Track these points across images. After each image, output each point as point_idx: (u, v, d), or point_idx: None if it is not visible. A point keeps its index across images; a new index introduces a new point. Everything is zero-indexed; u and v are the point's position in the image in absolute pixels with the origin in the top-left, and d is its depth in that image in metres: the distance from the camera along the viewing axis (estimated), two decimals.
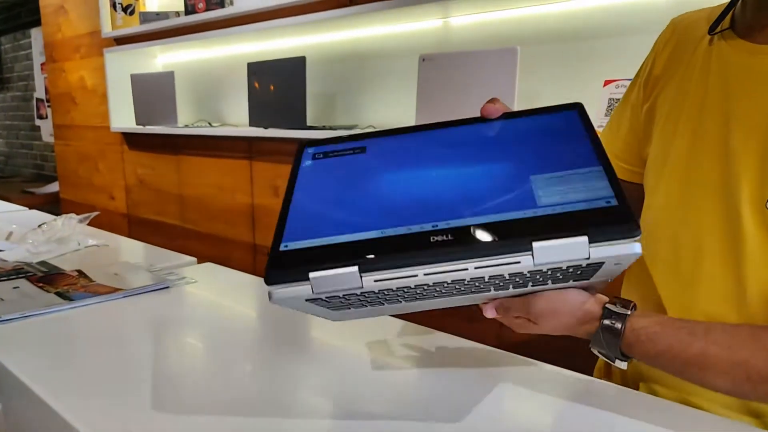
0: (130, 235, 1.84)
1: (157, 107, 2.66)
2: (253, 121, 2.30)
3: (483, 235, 0.38)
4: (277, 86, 2.20)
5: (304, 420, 0.53)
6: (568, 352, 0.81)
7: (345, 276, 0.39)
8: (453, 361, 0.67)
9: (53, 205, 3.55)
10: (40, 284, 0.92)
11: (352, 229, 0.42)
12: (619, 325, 0.52)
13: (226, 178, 2.54)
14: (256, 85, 2.25)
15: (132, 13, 2.73)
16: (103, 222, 3.40)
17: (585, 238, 0.38)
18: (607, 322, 0.52)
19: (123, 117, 2.92)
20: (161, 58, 2.90)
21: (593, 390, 0.61)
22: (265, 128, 2.25)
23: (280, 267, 0.41)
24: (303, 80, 2.09)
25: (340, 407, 0.57)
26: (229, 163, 2.51)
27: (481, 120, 0.51)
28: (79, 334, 0.77)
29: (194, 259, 1.16)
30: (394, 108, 2.08)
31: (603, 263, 0.40)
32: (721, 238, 0.57)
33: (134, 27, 2.67)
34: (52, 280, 0.95)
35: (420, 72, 1.66)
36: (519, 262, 0.38)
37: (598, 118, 1.40)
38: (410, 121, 1.82)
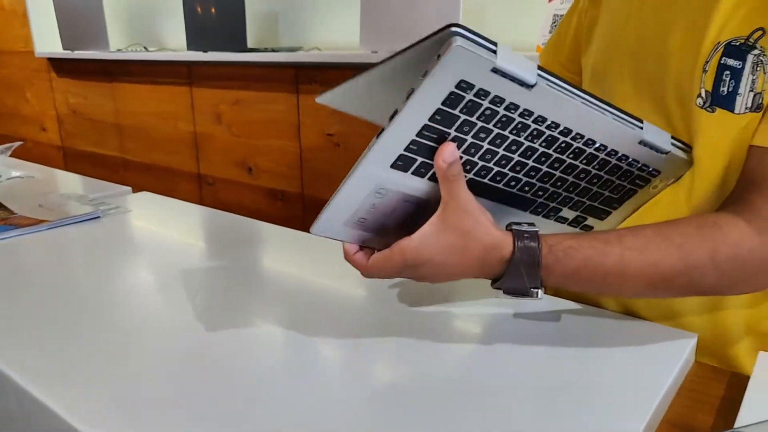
0: (66, 169, 1.74)
1: (85, 29, 2.47)
2: (192, 45, 2.17)
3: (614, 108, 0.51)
4: (216, 5, 2.06)
5: (241, 331, 0.52)
6: None
7: (524, 66, 0.43)
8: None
9: None
10: None
11: None
12: (534, 244, 0.47)
13: (165, 105, 2.41)
14: (198, 9, 2.10)
15: None
16: (34, 155, 3.21)
17: (669, 135, 0.54)
18: (521, 243, 0.47)
19: (48, 41, 2.71)
20: None
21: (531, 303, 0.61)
22: (205, 52, 2.13)
23: (468, 29, 0.44)
24: None
25: (289, 324, 0.56)
26: (168, 89, 2.38)
27: None
28: None
29: (129, 188, 1.11)
30: (339, 28, 1.99)
31: (660, 171, 0.55)
32: None
33: None
34: None
35: None
36: (635, 130, 0.51)
37: (542, 36, 1.37)
38: (355, 41, 1.74)
